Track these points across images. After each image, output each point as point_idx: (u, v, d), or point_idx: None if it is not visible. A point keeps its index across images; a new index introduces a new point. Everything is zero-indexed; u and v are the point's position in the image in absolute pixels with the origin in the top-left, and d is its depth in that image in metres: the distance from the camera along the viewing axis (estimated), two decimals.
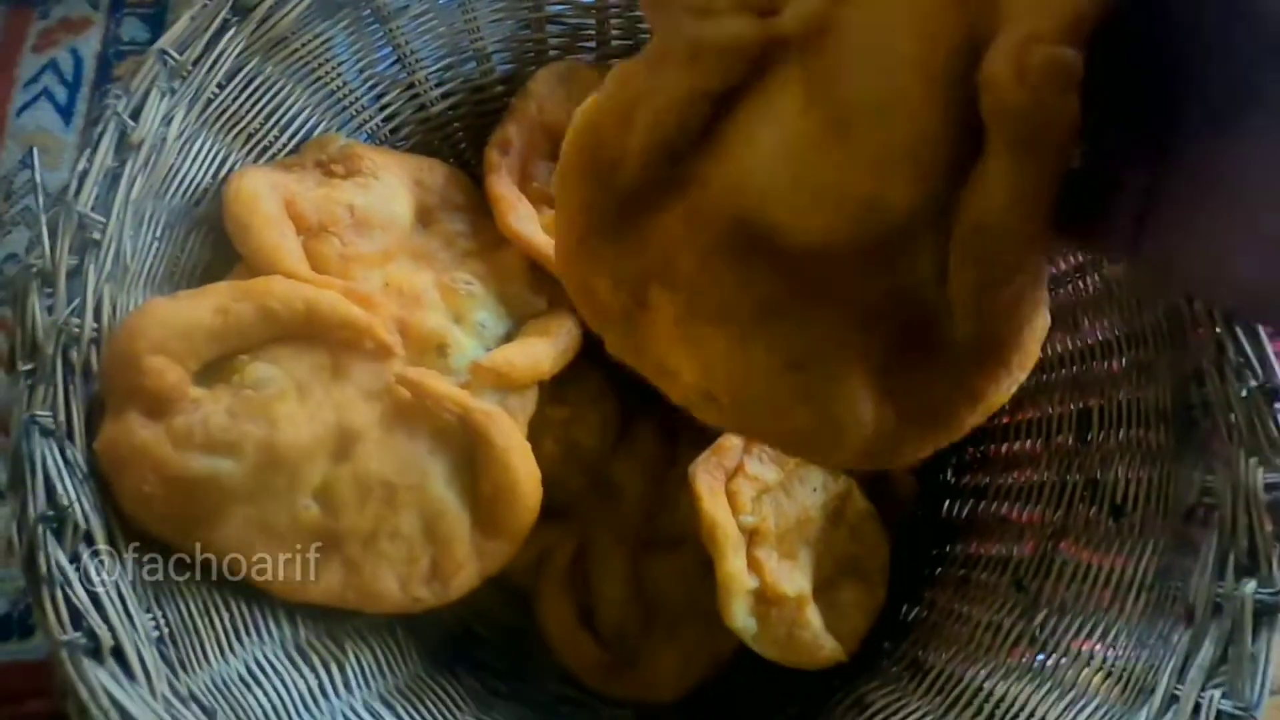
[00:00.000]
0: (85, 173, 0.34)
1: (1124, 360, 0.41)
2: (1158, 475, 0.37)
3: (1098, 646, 0.37)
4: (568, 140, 0.23)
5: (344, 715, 0.35)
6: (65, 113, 0.58)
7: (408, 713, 0.38)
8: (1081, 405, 0.42)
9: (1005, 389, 0.23)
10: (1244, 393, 0.33)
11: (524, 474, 0.37)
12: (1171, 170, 0.20)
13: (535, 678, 0.44)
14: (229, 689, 0.31)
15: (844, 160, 0.20)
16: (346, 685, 0.36)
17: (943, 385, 0.23)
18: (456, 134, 0.49)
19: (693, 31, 0.21)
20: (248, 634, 0.34)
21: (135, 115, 0.35)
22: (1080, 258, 0.43)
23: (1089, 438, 0.41)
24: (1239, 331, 0.34)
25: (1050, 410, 0.44)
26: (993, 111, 0.19)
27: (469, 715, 0.40)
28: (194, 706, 0.29)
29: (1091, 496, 0.40)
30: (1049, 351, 0.45)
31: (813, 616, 0.39)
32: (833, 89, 0.20)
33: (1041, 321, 0.23)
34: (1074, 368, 0.44)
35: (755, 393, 0.22)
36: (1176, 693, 0.32)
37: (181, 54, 0.37)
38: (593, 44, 0.50)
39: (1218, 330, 0.34)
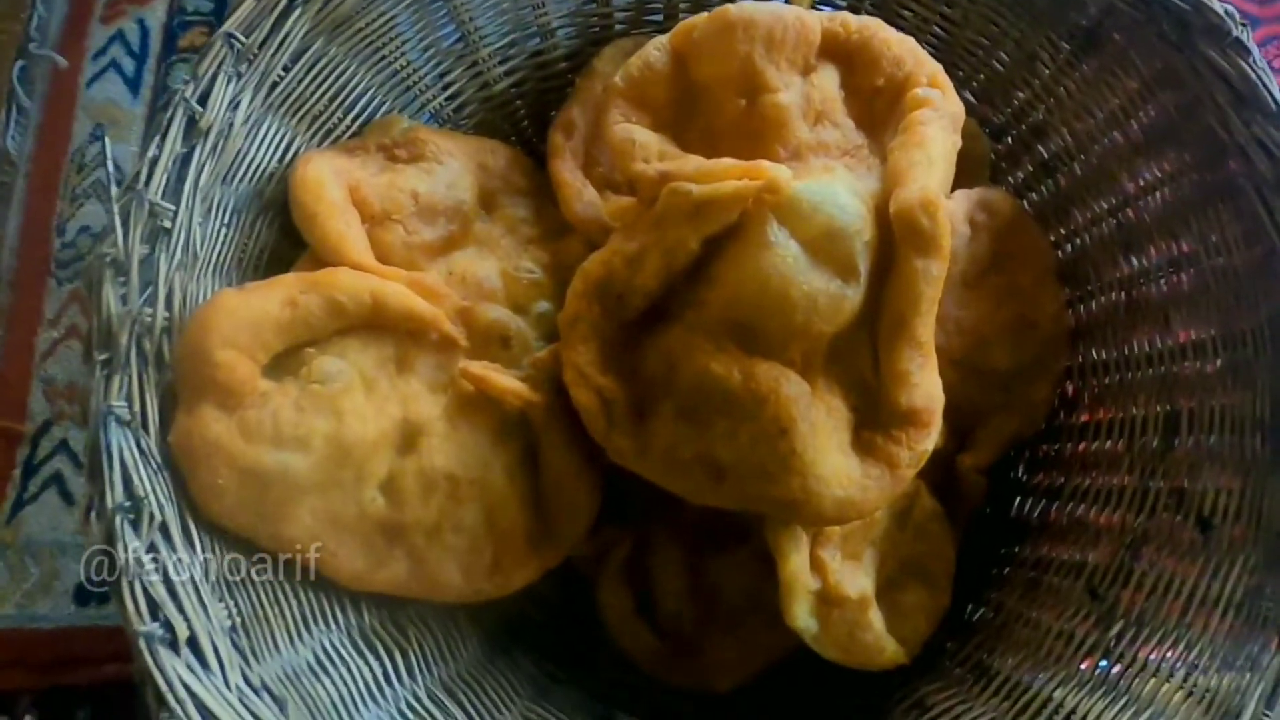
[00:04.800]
0: (155, 160, 0.34)
1: (1219, 362, 0.39)
2: (1250, 488, 0.36)
3: (1178, 663, 0.35)
4: (578, 280, 0.32)
5: (407, 702, 0.35)
6: (133, 85, 0.59)
7: (469, 699, 0.38)
8: (1169, 407, 0.40)
9: (926, 442, 0.33)
10: None
11: (583, 469, 0.36)
12: None
13: (592, 664, 0.44)
14: (299, 678, 0.32)
15: (815, 273, 0.31)
16: (410, 672, 0.37)
17: (890, 444, 0.32)
18: (519, 112, 0.48)
19: (701, 192, 0.31)
20: (315, 622, 0.34)
21: (203, 100, 0.35)
22: (1173, 250, 0.41)
23: (1175, 442, 0.39)
24: None
25: (1134, 411, 0.42)
26: (902, 233, 0.31)
27: (527, 700, 0.41)
28: (265, 696, 0.29)
29: (1177, 505, 0.39)
30: (1133, 349, 0.43)
31: (875, 619, 0.39)
32: (800, 225, 0.31)
33: (939, 394, 0.33)
34: (1161, 367, 0.41)
35: (753, 464, 0.30)
36: (1264, 717, 0.31)
37: (248, 37, 0.36)
38: (659, 17, 0.48)
39: None
